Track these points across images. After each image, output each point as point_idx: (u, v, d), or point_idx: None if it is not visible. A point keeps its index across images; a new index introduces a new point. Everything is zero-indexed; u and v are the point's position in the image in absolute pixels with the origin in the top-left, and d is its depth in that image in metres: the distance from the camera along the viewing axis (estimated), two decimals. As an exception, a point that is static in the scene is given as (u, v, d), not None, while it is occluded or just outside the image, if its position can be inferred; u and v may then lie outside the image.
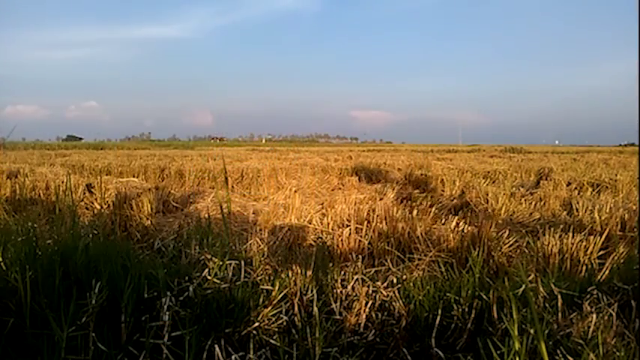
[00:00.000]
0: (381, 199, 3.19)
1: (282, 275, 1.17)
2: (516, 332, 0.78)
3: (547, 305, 1.06)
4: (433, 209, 2.65)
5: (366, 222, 1.97)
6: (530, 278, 1.21)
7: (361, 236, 1.89)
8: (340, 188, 4.05)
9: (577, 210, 2.36)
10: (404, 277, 1.22)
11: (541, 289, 1.09)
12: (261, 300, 1.08)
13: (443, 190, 3.88)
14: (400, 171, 5.12)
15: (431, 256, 1.62)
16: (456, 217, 2.33)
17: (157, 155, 7.88)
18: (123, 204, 2.60)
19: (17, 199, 2.87)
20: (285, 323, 1.05)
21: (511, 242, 1.78)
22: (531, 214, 2.52)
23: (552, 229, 1.83)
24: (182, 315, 0.99)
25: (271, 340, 0.99)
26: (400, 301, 1.11)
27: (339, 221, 2.17)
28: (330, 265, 1.30)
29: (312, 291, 1.12)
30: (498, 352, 0.82)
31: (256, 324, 1.02)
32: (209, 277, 1.11)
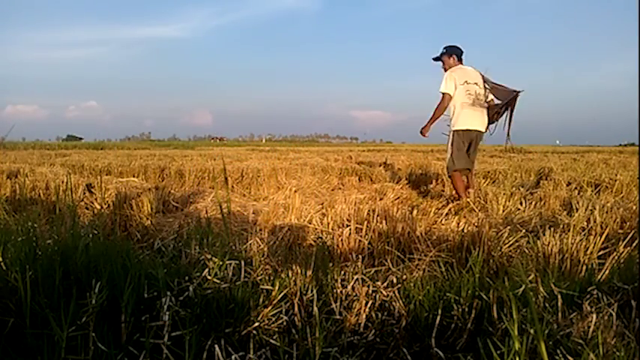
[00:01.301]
0: (381, 199, 3.19)
1: (282, 275, 1.17)
2: (516, 332, 0.78)
3: (547, 305, 1.06)
4: (433, 209, 2.66)
5: (366, 222, 1.97)
6: (530, 278, 1.21)
7: (361, 236, 1.89)
8: (340, 188, 4.05)
9: (577, 210, 2.36)
10: (404, 277, 1.22)
11: (541, 289, 1.09)
12: (261, 300, 1.08)
13: (443, 190, 3.88)
14: (400, 171, 5.13)
15: (431, 256, 1.62)
16: (456, 217, 2.34)
17: (157, 155, 7.88)
18: (123, 204, 2.60)
19: (17, 199, 2.87)
20: (285, 323, 1.05)
21: (511, 242, 1.78)
22: (531, 214, 2.52)
23: (552, 229, 1.83)
24: (182, 315, 0.99)
25: (271, 340, 0.99)
26: (400, 301, 1.11)
27: (339, 221, 2.17)
28: (330, 265, 1.30)
29: (312, 291, 1.12)
30: (498, 352, 0.82)
31: (256, 324, 1.02)
32: (209, 277, 1.11)
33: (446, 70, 3.17)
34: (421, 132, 3.22)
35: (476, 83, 3.07)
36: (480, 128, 3.10)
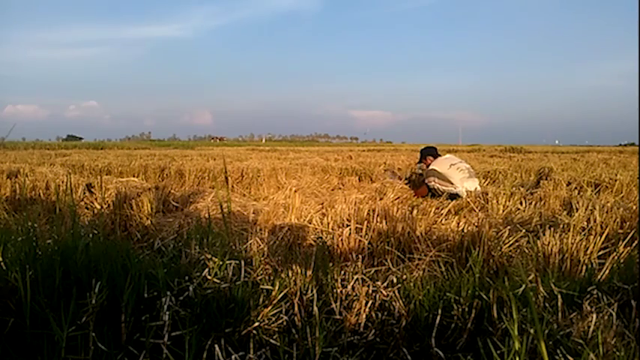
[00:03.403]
0: (381, 199, 3.19)
1: (282, 275, 1.17)
2: (516, 332, 0.78)
3: (547, 305, 1.06)
4: (433, 209, 2.66)
5: (366, 222, 1.97)
6: (530, 278, 1.21)
7: (361, 236, 1.89)
8: (340, 188, 4.04)
9: (577, 210, 2.36)
10: (404, 276, 1.22)
11: (541, 288, 1.09)
12: (261, 300, 1.08)
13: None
14: (400, 171, 5.13)
15: (431, 256, 1.62)
16: (456, 217, 2.34)
17: (157, 155, 7.88)
18: (123, 204, 2.60)
19: (17, 199, 2.87)
20: (285, 323, 1.05)
21: (511, 242, 1.78)
22: (531, 214, 2.52)
23: (552, 228, 1.83)
24: (182, 315, 1.00)
25: (271, 340, 0.99)
26: (400, 301, 1.11)
27: (339, 221, 2.17)
28: (330, 264, 1.30)
29: (312, 291, 1.12)
30: (498, 351, 0.82)
31: (256, 324, 1.02)
32: (209, 277, 1.11)
33: (428, 167, 3.77)
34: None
35: (460, 162, 3.63)
36: (479, 187, 3.57)
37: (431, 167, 3.65)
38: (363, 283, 1.17)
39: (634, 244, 1.67)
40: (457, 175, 3.50)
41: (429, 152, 3.92)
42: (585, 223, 2.17)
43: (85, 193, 3.18)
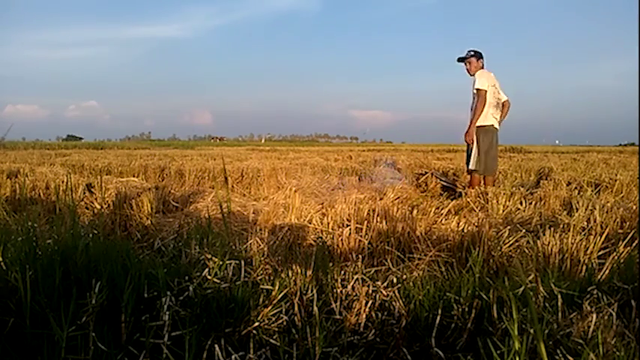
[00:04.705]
0: (381, 199, 3.19)
1: (282, 275, 1.17)
2: (516, 332, 0.78)
3: (547, 305, 1.06)
4: (433, 209, 2.65)
5: (365, 222, 1.97)
6: (530, 278, 1.21)
7: (361, 236, 1.89)
8: (340, 188, 4.04)
9: (577, 210, 2.36)
10: (404, 276, 1.22)
11: (541, 288, 1.09)
12: (261, 300, 1.08)
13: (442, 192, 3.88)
14: (400, 170, 5.12)
15: (431, 256, 1.62)
16: (456, 217, 2.33)
17: (157, 155, 7.88)
18: (123, 204, 2.60)
19: (17, 199, 2.87)
20: (285, 323, 1.05)
21: (511, 242, 1.78)
22: (531, 214, 2.52)
23: (552, 228, 1.83)
24: (182, 315, 1.00)
25: (271, 340, 0.99)
26: (400, 301, 1.11)
27: (339, 221, 2.17)
28: (330, 264, 1.30)
29: (312, 291, 1.12)
30: (498, 351, 0.82)
31: (256, 324, 1.02)
32: (209, 277, 1.11)
33: (469, 71, 3.54)
34: (466, 139, 3.52)
35: (496, 87, 3.51)
36: (498, 127, 3.58)
37: (480, 73, 3.46)
38: (363, 283, 1.17)
39: (634, 244, 1.67)
40: (488, 98, 3.40)
41: (481, 55, 3.57)
42: (585, 223, 2.17)
43: (85, 193, 3.18)
